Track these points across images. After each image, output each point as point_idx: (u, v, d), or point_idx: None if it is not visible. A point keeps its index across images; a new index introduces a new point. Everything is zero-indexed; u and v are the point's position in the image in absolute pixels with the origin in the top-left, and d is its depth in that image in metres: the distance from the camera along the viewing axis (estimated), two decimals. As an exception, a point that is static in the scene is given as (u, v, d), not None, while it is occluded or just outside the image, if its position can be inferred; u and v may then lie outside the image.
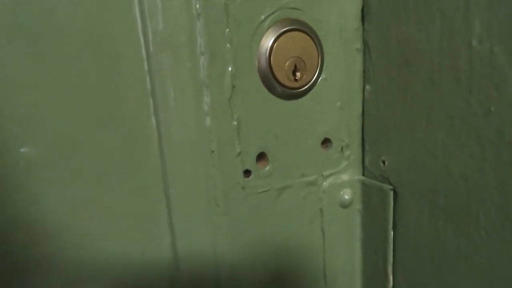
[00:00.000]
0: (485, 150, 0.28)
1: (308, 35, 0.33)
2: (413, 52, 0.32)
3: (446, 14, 0.28)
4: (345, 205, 0.39)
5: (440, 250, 0.33)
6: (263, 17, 0.32)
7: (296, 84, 0.34)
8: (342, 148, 0.38)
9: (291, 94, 0.34)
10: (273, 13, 0.32)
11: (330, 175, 0.38)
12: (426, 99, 0.31)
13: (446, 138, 0.31)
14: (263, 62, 0.32)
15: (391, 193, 0.36)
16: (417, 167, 0.33)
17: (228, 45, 0.31)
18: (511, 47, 0.25)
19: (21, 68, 0.27)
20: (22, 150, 0.28)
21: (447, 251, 0.33)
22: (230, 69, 0.31)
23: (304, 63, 0.34)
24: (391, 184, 0.36)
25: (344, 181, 0.39)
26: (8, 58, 0.26)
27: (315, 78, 0.35)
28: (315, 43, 0.34)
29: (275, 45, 0.32)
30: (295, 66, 0.33)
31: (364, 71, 0.37)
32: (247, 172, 0.34)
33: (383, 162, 0.37)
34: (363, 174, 0.39)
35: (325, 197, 0.38)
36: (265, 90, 0.33)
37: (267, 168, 0.35)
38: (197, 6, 0.29)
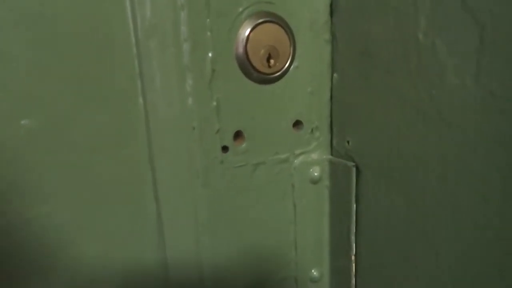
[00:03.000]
0: (429, 130, 0.32)
1: (281, 26, 0.37)
2: (372, 44, 0.36)
3: (398, 11, 0.33)
4: (314, 181, 0.43)
5: (395, 219, 0.38)
6: (240, 9, 0.36)
7: (270, 70, 0.38)
8: (312, 130, 0.42)
9: (265, 79, 0.38)
10: (249, 6, 0.36)
11: (301, 154, 0.42)
12: (383, 86, 0.36)
13: (398, 121, 0.35)
14: (240, 49, 0.36)
15: (354, 169, 0.40)
16: (375, 146, 0.38)
17: (208, 33, 0.35)
18: (449, 40, 0.29)
19: (23, 49, 0.30)
20: (22, 122, 0.31)
21: (399, 220, 0.37)
22: (210, 55, 0.35)
23: (278, 51, 0.38)
24: (354, 162, 0.40)
25: (313, 159, 0.43)
26: (13, 39, 0.30)
27: (288, 66, 0.39)
28: (287, 34, 0.38)
29: (251, 35, 0.36)
30: (269, 54, 0.37)
31: (332, 60, 0.41)
32: (225, 148, 0.38)
33: (348, 142, 0.41)
34: (331, 154, 0.44)
35: (296, 173, 0.42)
36: (242, 75, 0.37)
37: (243, 145, 0.39)
38: (181, -2, 0.33)
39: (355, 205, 0.41)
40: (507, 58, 0.26)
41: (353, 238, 0.42)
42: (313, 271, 0.46)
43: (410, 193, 0.35)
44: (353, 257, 0.42)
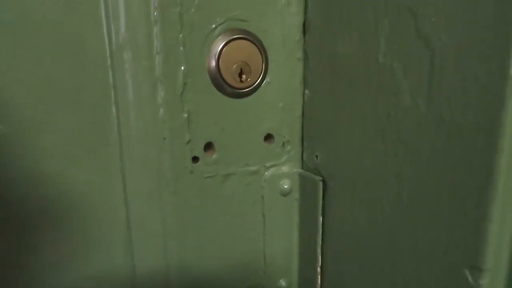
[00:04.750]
0: (387, 147, 0.34)
1: (254, 43, 0.39)
2: (339, 63, 0.37)
3: (361, 33, 0.34)
4: (284, 194, 0.45)
5: (357, 232, 0.39)
6: (213, 25, 0.37)
7: (242, 85, 0.39)
8: (283, 144, 0.44)
9: (237, 93, 0.40)
10: (223, 23, 0.37)
11: (272, 166, 0.44)
12: (347, 104, 0.37)
13: (361, 137, 0.36)
14: (213, 64, 0.38)
15: (321, 183, 0.41)
16: (340, 161, 0.39)
17: (181, 48, 0.36)
18: (405, 63, 0.31)
19: (-1, 57, 0.31)
20: (-4, 127, 0.32)
21: (361, 233, 0.38)
22: (182, 68, 0.36)
23: (250, 67, 0.39)
24: (321, 176, 0.42)
25: (284, 172, 0.44)
26: (-12, 48, 0.31)
27: (260, 81, 0.40)
28: (259, 50, 0.39)
29: (223, 50, 0.38)
30: (241, 69, 0.39)
31: (304, 78, 0.42)
32: (195, 159, 0.39)
33: (316, 157, 0.42)
34: (302, 167, 0.45)
35: (266, 185, 0.44)
36: (214, 89, 0.38)
37: (214, 156, 0.40)
38: (155, 13, 0.34)
39: (321, 218, 0.42)
40: (453, 84, 0.27)
41: (319, 250, 0.43)
42: (281, 281, 0.47)
43: (370, 207, 0.37)
44: (318, 269, 0.43)
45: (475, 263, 0.27)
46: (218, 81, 0.38)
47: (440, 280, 0.30)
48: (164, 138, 0.37)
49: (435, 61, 0.28)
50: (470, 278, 0.28)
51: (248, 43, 0.39)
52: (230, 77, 0.38)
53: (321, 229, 0.42)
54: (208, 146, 0.40)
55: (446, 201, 0.29)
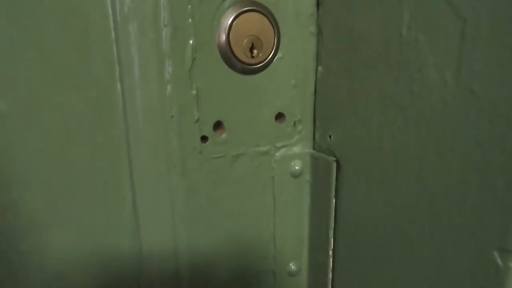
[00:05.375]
0: (409, 126, 0.32)
1: (266, 16, 0.37)
2: (357, 38, 0.35)
3: (383, 5, 0.32)
4: (295, 175, 0.43)
5: (373, 215, 0.37)
6: (223, -3, 0.35)
7: (253, 61, 0.37)
8: (295, 123, 0.42)
9: (248, 69, 0.38)
10: (233, -6, 0.35)
11: (283, 147, 0.42)
12: (365, 81, 0.35)
13: (379, 116, 0.34)
14: (222, 38, 0.35)
15: (334, 164, 0.40)
16: (356, 141, 0.37)
17: (190, 20, 0.34)
18: (432, 35, 0.29)
19: (-5, 28, 0.29)
20: (-6, 104, 0.30)
21: (377, 216, 0.37)
22: (191, 42, 0.34)
23: (261, 41, 0.37)
24: (335, 157, 0.40)
25: (295, 153, 0.42)
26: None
27: (271, 56, 0.38)
28: (271, 24, 0.37)
29: (233, 24, 0.35)
30: (252, 44, 0.37)
31: (317, 53, 0.40)
32: (204, 138, 0.37)
33: (330, 137, 0.41)
34: (314, 148, 0.43)
35: (277, 166, 0.42)
36: (224, 64, 0.36)
37: (223, 135, 0.38)
38: (162, -18, 0.32)
39: (334, 200, 0.41)
40: (487, 55, 0.25)
41: (331, 233, 0.42)
42: (291, 264, 0.46)
43: (388, 190, 0.35)
44: (330, 252, 0.42)
45: (505, 245, 0.26)
46: (228, 56, 0.36)
47: (466, 262, 0.29)
48: (172, 116, 0.35)
49: (467, 32, 0.26)
50: (499, 260, 0.26)
51: (260, 15, 0.36)
52: (241, 52, 0.36)
53: (333, 212, 0.41)
54: (218, 125, 0.38)
55: (473, 181, 0.28)
